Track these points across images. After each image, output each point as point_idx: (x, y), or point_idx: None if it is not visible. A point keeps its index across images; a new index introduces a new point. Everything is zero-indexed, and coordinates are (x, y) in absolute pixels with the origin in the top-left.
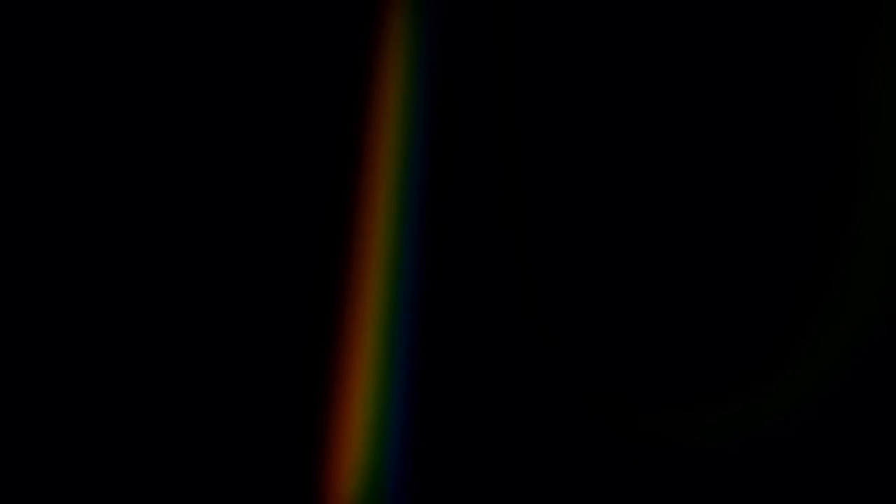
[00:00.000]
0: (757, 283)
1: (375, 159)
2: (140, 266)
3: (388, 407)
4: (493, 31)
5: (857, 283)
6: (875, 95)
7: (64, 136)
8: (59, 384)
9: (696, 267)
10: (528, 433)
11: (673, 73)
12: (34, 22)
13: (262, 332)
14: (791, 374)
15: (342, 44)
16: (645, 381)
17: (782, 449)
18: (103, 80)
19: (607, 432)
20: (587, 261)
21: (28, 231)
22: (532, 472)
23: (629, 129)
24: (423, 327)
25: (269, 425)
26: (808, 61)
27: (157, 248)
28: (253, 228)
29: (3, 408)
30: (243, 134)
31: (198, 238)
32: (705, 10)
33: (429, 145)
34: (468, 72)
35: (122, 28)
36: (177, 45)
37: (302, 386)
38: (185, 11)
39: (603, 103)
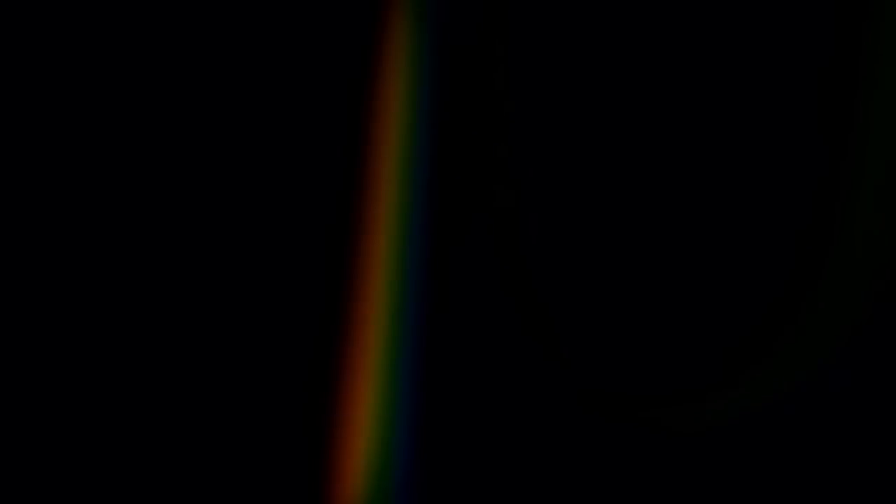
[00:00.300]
0: (748, 276)
1: (379, 159)
2: (145, 266)
3: (393, 407)
4: (495, 31)
5: (848, 279)
6: (871, 92)
7: (80, 138)
8: (66, 385)
9: (689, 262)
10: (533, 433)
11: (672, 73)
12: (34, 22)
13: (268, 332)
14: (783, 366)
15: (346, 45)
16: (646, 375)
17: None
18: (111, 81)
19: (609, 430)
20: (586, 260)
21: (42, 232)
22: (536, 471)
23: (629, 128)
24: (427, 327)
25: (275, 426)
26: (803, 59)
27: (163, 249)
28: (258, 229)
29: (8, 408)
30: (248, 135)
31: (204, 239)
32: (702, 8)
33: (432, 146)
34: (471, 73)
35: (126, 29)
36: (182, 47)
37: (308, 386)
38: (191, 12)
39: (604, 104)
